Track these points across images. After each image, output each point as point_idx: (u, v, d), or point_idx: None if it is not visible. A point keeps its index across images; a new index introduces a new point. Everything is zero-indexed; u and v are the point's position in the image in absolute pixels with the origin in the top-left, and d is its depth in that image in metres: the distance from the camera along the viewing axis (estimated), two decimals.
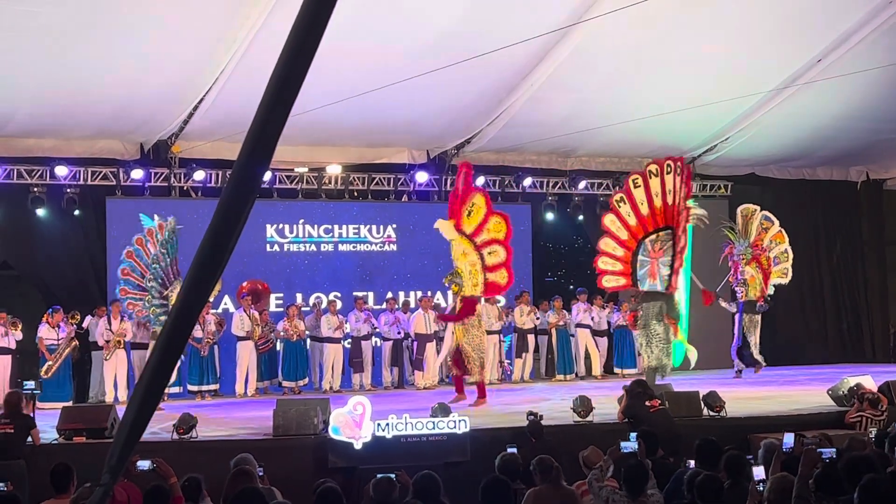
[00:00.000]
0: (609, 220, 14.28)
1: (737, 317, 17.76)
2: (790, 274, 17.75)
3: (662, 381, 13.64)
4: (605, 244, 14.31)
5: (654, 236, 13.95)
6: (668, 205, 13.84)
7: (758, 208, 18.00)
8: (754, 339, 17.53)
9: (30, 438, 10.03)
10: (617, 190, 15.04)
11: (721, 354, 19.72)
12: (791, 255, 17.68)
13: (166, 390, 14.80)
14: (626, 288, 14.80)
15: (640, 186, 13.97)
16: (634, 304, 15.45)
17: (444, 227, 13.86)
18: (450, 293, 14.66)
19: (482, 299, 14.56)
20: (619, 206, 14.14)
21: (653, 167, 13.98)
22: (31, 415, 10.55)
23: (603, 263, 14.35)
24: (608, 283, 14.57)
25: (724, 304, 18.09)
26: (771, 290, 17.66)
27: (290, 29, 2.17)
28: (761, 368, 17.53)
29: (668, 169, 13.84)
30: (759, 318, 17.62)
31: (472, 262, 13.75)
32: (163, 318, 13.60)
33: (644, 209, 13.94)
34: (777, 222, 17.83)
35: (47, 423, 10.97)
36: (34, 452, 9.92)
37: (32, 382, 11.16)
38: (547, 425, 10.25)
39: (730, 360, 19.84)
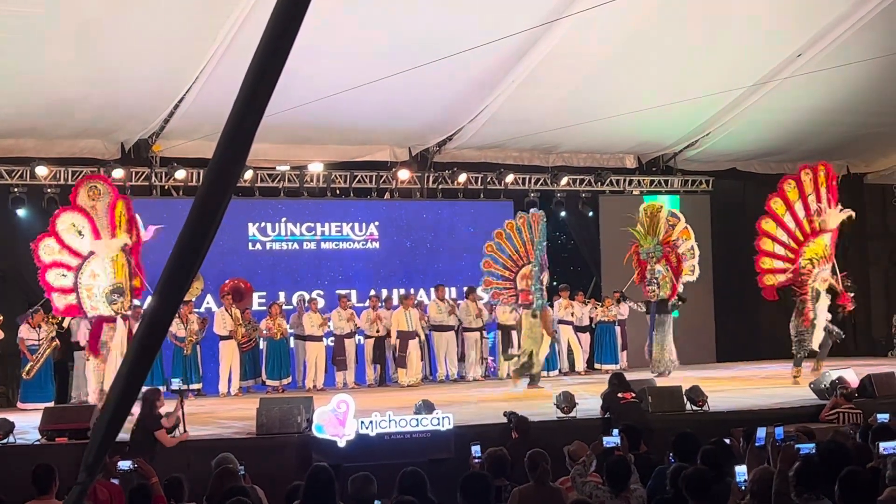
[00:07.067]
0: None
1: (649, 318, 16.73)
2: (697, 271, 16.82)
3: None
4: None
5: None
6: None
7: (663, 204, 17.19)
8: (666, 343, 16.30)
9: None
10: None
11: (702, 349, 19.82)
12: (697, 252, 16.76)
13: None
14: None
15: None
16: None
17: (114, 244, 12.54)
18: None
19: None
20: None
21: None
22: (181, 412, 10.19)
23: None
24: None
25: (632, 306, 17.53)
26: (681, 289, 16.56)
27: (266, 25, 2.17)
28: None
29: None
30: (670, 319, 16.56)
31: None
32: (539, 301, 15.48)
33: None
34: (683, 218, 16.86)
35: (29, 424, 10.93)
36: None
37: (178, 379, 10.61)
38: (530, 421, 10.26)
39: (709, 355, 19.95)
